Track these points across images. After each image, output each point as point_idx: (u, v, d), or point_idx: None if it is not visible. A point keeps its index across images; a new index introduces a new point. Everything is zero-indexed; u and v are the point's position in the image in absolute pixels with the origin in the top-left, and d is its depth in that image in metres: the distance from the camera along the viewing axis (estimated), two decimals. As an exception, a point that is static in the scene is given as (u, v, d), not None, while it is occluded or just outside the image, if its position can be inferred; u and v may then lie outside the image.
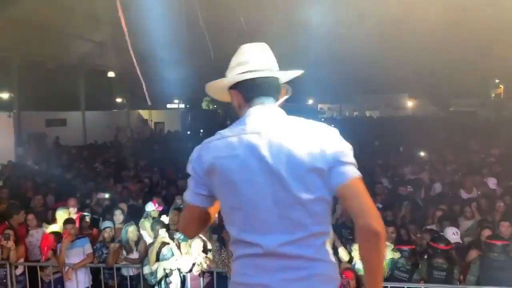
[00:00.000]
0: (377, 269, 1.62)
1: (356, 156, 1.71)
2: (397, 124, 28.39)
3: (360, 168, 1.70)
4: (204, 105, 43.54)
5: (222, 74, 1.92)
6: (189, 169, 1.79)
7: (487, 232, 5.46)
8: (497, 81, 44.90)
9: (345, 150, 1.68)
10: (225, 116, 41.09)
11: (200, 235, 5.56)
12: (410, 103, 51.84)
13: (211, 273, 5.52)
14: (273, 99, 1.81)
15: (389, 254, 5.12)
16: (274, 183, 1.63)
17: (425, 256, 5.18)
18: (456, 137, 18.63)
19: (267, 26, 14.89)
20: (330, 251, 1.72)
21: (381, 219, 1.59)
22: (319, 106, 55.55)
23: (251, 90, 1.80)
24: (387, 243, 5.16)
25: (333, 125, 1.96)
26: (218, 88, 1.91)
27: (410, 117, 40.44)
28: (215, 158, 1.70)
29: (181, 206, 7.26)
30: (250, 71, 1.79)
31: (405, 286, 4.90)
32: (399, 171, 10.70)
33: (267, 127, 1.69)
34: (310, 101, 55.34)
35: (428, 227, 6.35)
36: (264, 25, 14.79)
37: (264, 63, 1.81)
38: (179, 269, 5.48)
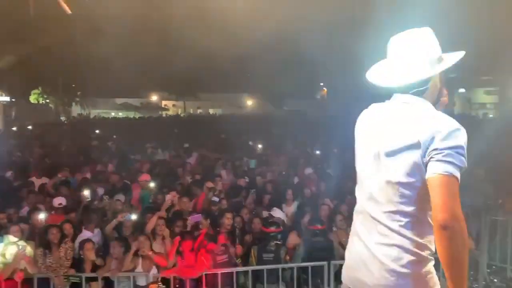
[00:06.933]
0: (447, 265, 1.68)
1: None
2: (238, 121, 29.66)
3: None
4: (33, 98, 39.05)
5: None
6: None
7: (307, 217, 6.11)
8: (321, 84, 50.66)
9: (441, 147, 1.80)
10: (58, 110, 37.65)
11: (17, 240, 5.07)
12: (250, 102, 54.91)
13: (31, 279, 4.95)
14: (406, 93, 1.93)
15: None
16: (378, 160, 1.91)
17: (254, 240, 5.60)
18: (289, 132, 20.27)
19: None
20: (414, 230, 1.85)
21: (452, 213, 1.65)
22: (163, 103, 55.04)
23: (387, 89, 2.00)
24: None
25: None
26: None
27: (250, 115, 42.69)
28: (356, 127, 2.10)
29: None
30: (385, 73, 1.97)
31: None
32: (241, 163, 11.16)
33: (385, 115, 1.94)
34: (154, 98, 54.45)
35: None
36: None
37: (403, 65, 1.90)
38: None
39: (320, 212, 6.31)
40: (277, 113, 43.12)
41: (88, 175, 9.20)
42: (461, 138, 1.72)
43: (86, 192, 7.35)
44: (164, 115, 44.39)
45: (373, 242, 1.90)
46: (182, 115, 45.43)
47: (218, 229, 5.75)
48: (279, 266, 5.32)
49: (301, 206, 6.92)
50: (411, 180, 1.80)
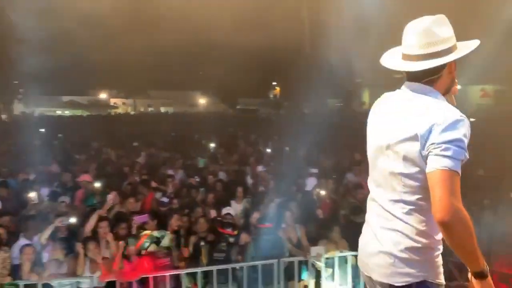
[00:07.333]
0: (460, 255, 1.73)
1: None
2: (190, 120, 29.35)
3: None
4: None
5: None
6: None
7: (256, 215, 6.13)
8: (274, 83, 51.14)
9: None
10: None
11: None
12: (202, 101, 54.41)
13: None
14: (418, 82, 1.90)
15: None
16: (384, 150, 1.92)
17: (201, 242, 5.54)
18: (242, 131, 20.31)
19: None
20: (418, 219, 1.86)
21: (449, 210, 1.64)
22: (113, 100, 53.49)
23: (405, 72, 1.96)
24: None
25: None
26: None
27: (203, 114, 42.37)
28: (369, 117, 2.09)
29: None
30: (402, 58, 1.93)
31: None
32: (193, 163, 11.04)
33: (392, 106, 1.94)
34: (103, 96, 52.77)
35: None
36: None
37: (414, 51, 1.87)
38: None
39: (269, 210, 6.33)
40: (230, 112, 43.10)
41: (31, 176, 8.78)
42: (461, 129, 1.71)
43: (32, 194, 7.05)
44: (113, 113, 43.06)
45: (378, 226, 1.96)
46: (132, 113, 44.36)
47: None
48: (228, 266, 5.28)
49: (251, 204, 6.93)
50: (412, 171, 1.81)
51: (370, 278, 2.02)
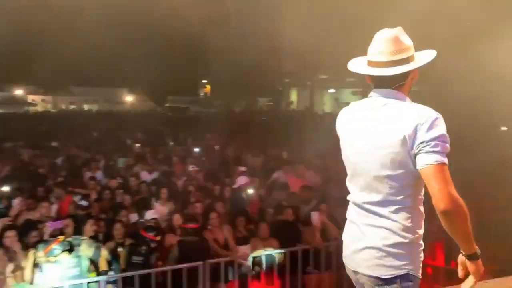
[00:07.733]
0: (458, 240, 1.91)
1: None
2: (116, 118, 28.19)
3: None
4: None
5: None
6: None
7: (178, 216, 5.97)
8: (204, 81, 50.79)
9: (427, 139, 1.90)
10: None
11: None
12: (129, 98, 52.56)
13: None
14: (387, 88, 2.03)
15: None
16: (366, 156, 2.00)
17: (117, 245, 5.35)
18: (171, 130, 19.84)
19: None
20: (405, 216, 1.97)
21: (450, 199, 1.79)
22: (30, 97, 50.09)
23: (372, 80, 2.08)
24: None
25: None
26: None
27: (130, 112, 40.95)
28: (338, 125, 2.17)
29: None
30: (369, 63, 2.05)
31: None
32: (115, 163, 10.56)
33: (369, 113, 2.02)
34: (19, 92, 49.24)
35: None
36: None
37: (384, 58, 1.99)
38: None
39: (193, 210, 6.19)
40: (158, 110, 42.06)
41: None
42: (441, 126, 1.88)
43: None
44: (31, 111, 40.22)
45: (364, 224, 2.05)
46: (52, 111, 41.81)
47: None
48: (150, 270, 5.07)
49: (176, 204, 6.74)
50: (399, 172, 1.93)
51: (355, 272, 2.11)
